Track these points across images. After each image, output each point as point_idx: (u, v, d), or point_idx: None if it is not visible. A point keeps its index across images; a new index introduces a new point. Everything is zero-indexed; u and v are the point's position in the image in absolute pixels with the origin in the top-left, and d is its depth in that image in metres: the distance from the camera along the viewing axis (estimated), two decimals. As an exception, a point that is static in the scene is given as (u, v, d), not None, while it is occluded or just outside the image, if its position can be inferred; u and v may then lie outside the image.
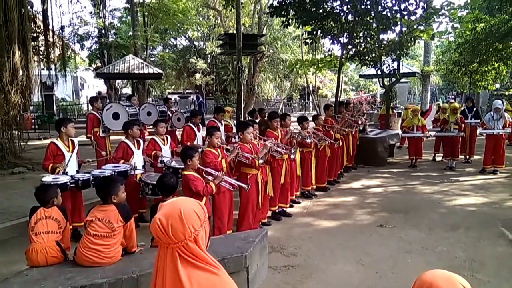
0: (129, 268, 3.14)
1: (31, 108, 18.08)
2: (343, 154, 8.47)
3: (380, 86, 13.90)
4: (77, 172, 4.96)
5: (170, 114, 8.70)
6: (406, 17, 9.65)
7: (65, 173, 4.76)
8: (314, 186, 7.14)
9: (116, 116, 6.76)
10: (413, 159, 9.75)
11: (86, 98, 35.54)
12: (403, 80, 17.01)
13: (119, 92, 25.22)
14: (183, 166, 4.76)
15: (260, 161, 4.78)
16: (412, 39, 10.35)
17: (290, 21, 10.11)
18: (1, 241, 4.99)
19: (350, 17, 9.88)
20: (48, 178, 4.46)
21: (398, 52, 10.32)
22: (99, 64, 23.99)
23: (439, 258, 4.48)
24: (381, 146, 9.83)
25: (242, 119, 10.95)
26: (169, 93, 35.09)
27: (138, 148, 5.52)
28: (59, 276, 3.02)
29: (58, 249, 3.25)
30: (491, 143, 8.77)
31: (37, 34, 11.05)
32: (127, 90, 29.29)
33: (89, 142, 7.45)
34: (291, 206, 6.28)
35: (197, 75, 26.80)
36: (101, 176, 4.68)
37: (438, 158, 10.38)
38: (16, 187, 7.30)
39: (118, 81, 23.35)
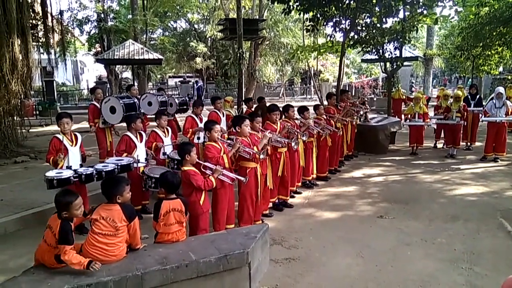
0: (133, 266, 3.20)
1: (32, 93, 18.06)
2: (343, 142, 8.49)
3: (382, 71, 13.79)
4: (81, 166, 4.99)
5: None
6: (408, 6, 9.52)
7: (69, 167, 4.80)
8: (315, 176, 7.18)
9: (113, 109, 6.74)
10: (414, 146, 9.77)
11: (86, 83, 35.49)
12: (405, 63, 16.87)
13: (119, 77, 25.10)
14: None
15: (262, 156, 4.80)
16: (414, 26, 10.22)
17: (291, 8, 9.97)
18: (7, 234, 5.06)
19: (352, 3, 9.73)
20: (51, 173, 4.50)
21: (400, 39, 10.21)
22: (99, 49, 23.81)
23: (438, 250, 4.54)
24: (382, 134, 9.84)
25: (242, 106, 10.92)
26: (170, 77, 34.95)
27: (141, 141, 5.54)
28: (65, 275, 3.08)
29: (55, 262, 3.15)
30: (493, 130, 8.78)
31: (36, 21, 10.94)
32: (128, 75, 29.17)
33: (91, 130, 7.48)
34: (292, 197, 6.34)
35: (198, 59, 26.63)
36: (104, 170, 4.74)
37: (439, 145, 10.40)
38: (20, 177, 7.36)
39: (118, 66, 23.19)
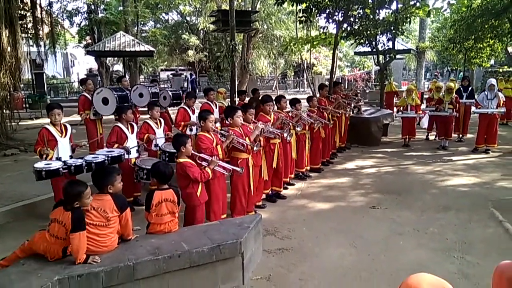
0: (125, 256, 3.17)
1: (22, 87, 17.81)
2: (335, 134, 8.49)
3: (375, 64, 13.79)
4: (71, 157, 4.92)
5: None
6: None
7: (58, 158, 4.73)
8: (308, 168, 7.18)
9: (105, 101, 6.62)
10: (406, 138, 9.80)
11: (77, 75, 35.05)
12: (398, 56, 16.89)
13: (110, 69, 24.83)
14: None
15: (255, 148, 4.77)
16: (407, 17, 10.20)
17: (284, -2, 9.91)
18: (-4, 226, 4.99)
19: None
20: (40, 164, 4.42)
21: (393, 30, 10.20)
22: (89, 41, 23.52)
23: (430, 240, 4.57)
24: (374, 126, 9.85)
25: (235, 99, 10.86)
26: (162, 70, 34.67)
27: (132, 132, 5.48)
28: (55, 265, 3.03)
29: (60, 255, 3.11)
30: (485, 122, 8.82)
31: (25, 12, 10.74)
32: (119, 67, 28.86)
33: (81, 121, 7.40)
34: (285, 188, 6.33)
35: (190, 52, 26.40)
36: (94, 161, 4.67)
37: (431, 137, 10.46)
38: (10, 170, 7.26)
39: (109, 58, 22.92)
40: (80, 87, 7.61)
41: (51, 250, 3.09)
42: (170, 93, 8.22)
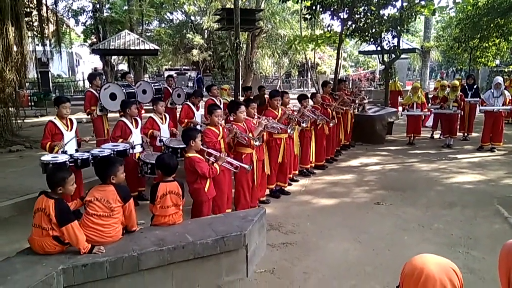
0: (129, 247, 3.17)
1: (27, 85, 17.92)
2: (340, 131, 8.46)
3: (380, 62, 13.75)
4: (77, 151, 4.93)
5: (171, 91, 8.72)
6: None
7: (64, 152, 4.75)
8: (313, 164, 7.16)
9: (113, 96, 6.65)
10: (411, 136, 9.75)
11: (82, 75, 35.22)
12: (402, 56, 16.82)
13: (115, 69, 24.94)
14: (182, 146, 4.77)
15: (257, 143, 4.76)
16: (413, 14, 10.16)
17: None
18: (1, 220, 5.01)
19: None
20: (47, 157, 4.44)
21: (398, 28, 10.16)
22: (94, 40, 23.63)
23: (435, 235, 4.54)
24: (379, 124, 9.81)
25: (240, 96, 10.88)
26: (166, 69, 34.80)
27: (136, 127, 5.48)
28: (60, 255, 3.05)
29: (56, 243, 3.04)
30: (490, 120, 8.74)
31: (31, 9, 10.80)
32: (123, 66, 28.96)
33: (89, 119, 7.41)
34: (289, 185, 6.32)
35: (194, 51, 26.47)
36: (100, 155, 4.69)
37: (436, 136, 10.40)
38: (15, 165, 7.30)
39: (114, 57, 23.02)
40: (90, 84, 7.61)
41: (46, 244, 3.01)
42: (185, 92, 8.30)
